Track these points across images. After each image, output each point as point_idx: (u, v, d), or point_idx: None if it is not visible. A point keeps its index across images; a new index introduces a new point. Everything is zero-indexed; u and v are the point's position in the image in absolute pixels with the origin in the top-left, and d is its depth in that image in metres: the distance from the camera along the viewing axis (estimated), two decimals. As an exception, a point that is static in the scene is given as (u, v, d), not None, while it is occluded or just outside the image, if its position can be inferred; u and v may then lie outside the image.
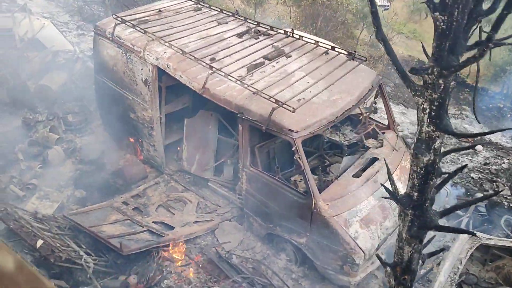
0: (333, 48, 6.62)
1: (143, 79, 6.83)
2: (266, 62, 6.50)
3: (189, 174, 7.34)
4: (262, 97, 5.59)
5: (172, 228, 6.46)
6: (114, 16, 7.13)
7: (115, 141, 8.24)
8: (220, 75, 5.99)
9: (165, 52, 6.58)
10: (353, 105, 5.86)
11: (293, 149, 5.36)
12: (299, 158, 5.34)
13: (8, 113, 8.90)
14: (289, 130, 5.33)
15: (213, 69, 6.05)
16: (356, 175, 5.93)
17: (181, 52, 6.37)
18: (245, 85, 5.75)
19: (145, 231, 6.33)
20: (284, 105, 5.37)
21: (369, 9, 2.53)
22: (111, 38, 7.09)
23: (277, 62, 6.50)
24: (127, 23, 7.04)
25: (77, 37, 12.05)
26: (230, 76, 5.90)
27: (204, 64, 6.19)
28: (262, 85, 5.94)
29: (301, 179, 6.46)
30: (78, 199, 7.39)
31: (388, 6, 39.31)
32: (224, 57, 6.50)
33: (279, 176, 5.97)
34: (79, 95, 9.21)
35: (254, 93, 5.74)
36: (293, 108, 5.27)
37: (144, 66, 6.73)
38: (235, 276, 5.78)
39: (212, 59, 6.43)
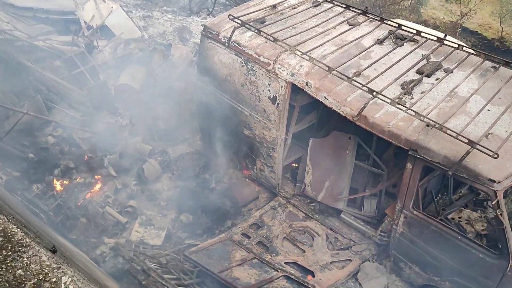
0: (507, 64, 5.46)
1: (270, 96, 5.79)
2: (424, 79, 5.41)
3: (312, 200, 6.44)
4: (445, 132, 4.55)
5: (307, 270, 5.66)
6: (231, 17, 5.98)
7: (215, 154, 7.29)
8: (385, 101, 4.92)
9: (301, 66, 5.51)
10: (551, 143, 4.81)
11: (493, 203, 4.39)
12: (500, 214, 4.37)
13: (89, 116, 7.95)
14: (489, 180, 4.34)
15: (374, 93, 4.97)
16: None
17: (327, 68, 5.29)
18: (421, 117, 4.69)
19: (281, 277, 5.53)
20: (479, 147, 4.34)
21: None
22: (226, 44, 6.01)
23: (436, 80, 5.41)
24: (247, 26, 5.92)
25: (142, 20, 10.86)
26: (399, 104, 4.84)
27: (359, 85, 5.10)
28: (434, 113, 4.89)
29: (460, 217, 5.58)
30: (185, 224, 6.57)
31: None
32: (373, 73, 5.41)
33: (441, 217, 5.08)
34: (165, 96, 8.18)
35: (428, 125, 4.72)
36: (495, 153, 4.24)
37: (273, 82, 5.67)
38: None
39: (356, 74, 5.37)
